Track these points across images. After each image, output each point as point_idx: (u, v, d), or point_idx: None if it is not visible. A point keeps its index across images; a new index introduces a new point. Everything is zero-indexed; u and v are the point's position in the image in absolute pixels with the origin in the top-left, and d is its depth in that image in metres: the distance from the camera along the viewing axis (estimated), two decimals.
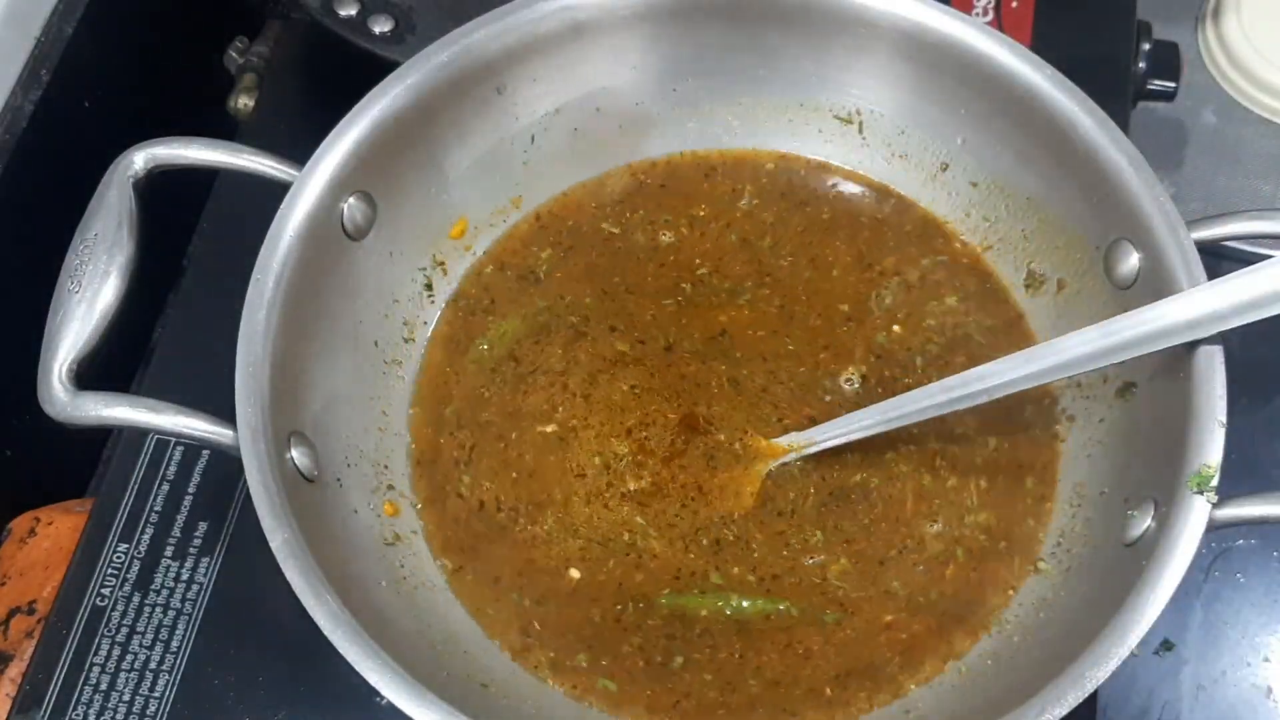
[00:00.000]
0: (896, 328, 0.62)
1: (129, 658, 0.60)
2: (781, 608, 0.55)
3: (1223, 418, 0.50)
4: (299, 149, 0.56)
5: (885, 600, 0.55)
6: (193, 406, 0.51)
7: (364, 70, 0.60)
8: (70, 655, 0.60)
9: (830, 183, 0.66)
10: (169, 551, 0.62)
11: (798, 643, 0.55)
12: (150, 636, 0.60)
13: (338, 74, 0.63)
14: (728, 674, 0.54)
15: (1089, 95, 0.57)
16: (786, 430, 0.59)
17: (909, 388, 0.59)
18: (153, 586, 0.61)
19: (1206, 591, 0.62)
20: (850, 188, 0.65)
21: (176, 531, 0.63)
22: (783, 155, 0.66)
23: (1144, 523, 0.51)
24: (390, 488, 0.58)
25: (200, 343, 0.65)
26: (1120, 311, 0.56)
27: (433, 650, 0.53)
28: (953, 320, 0.62)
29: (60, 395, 0.50)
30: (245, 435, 0.50)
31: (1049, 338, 0.60)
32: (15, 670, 0.60)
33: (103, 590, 0.61)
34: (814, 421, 0.59)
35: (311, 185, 0.55)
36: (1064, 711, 0.45)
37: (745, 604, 0.55)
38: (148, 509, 0.63)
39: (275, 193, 0.55)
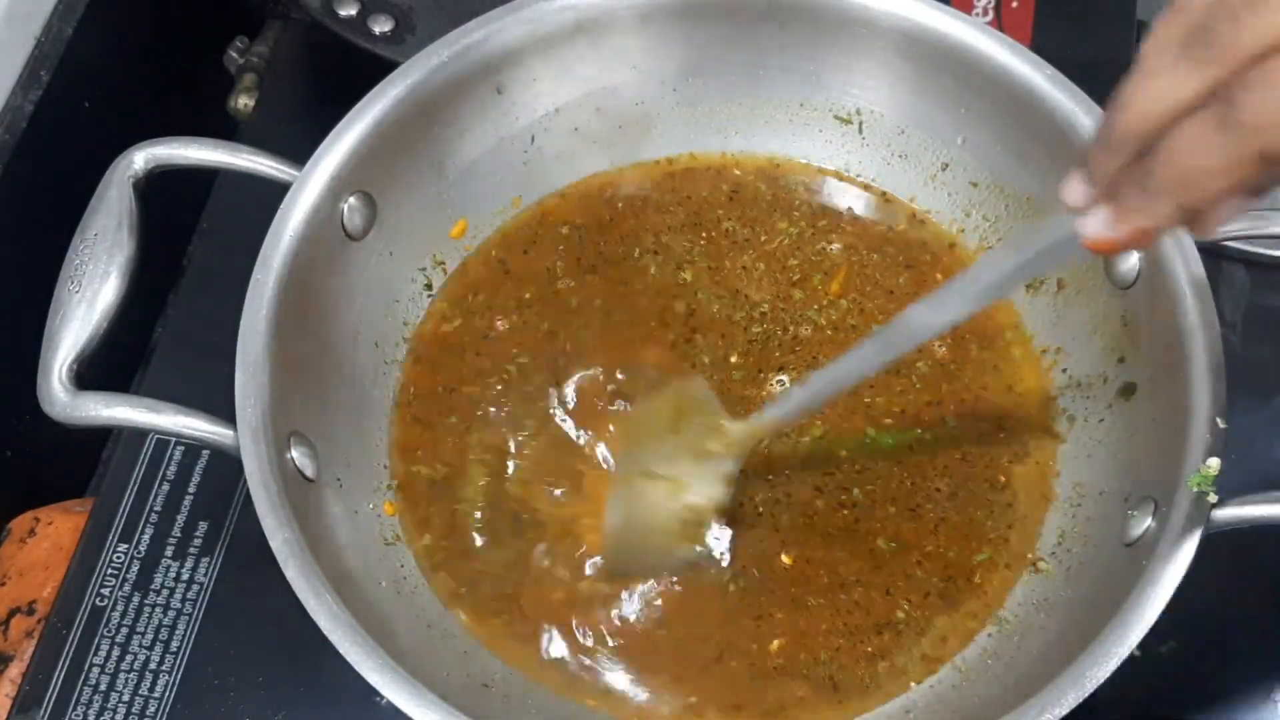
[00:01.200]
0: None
1: (129, 658, 0.60)
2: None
3: (1223, 418, 0.50)
4: (299, 149, 0.56)
5: None
6: (193, 406, 0.51)
7: (364, 70, 0.60)
8: (70, 655, 0.60)
9: (830, 182, 0.66)
10: (169, 551, 0.62)
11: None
12: (150, 636, 0.60)
13: (338, 74, 0.63)
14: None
15: (1089, 95, 0.57)
16: None
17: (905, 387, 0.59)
18: (153, 586, 0.61)
19: (1207, 591, 0.62)
20: (850, 187, 0.65)
21: (176, 531, 0.63)
22: (783, 155, 0.66)
23: (1144, 523, 0.51)
24: (390, 488, 0.58)
25: (200, 343, 0.66)
26: (1120, 311, 0.57)
27: (433, 650, 0.53)
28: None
29: (60, 395, 0.50)
30: (245, 435, 0.50)
31: (1049, 337, 0.60)
32: (15, 670, 0.60)
33: (102, 590, 0.61)
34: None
35: (311, 185, 0.55)
36: (1064, 711, 0.45)
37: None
38: (148, 509, 0.63)
39: (275, 193, 0.55)
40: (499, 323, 0.62)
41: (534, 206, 0.65)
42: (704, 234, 0.64)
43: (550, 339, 0.62)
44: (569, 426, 0.59)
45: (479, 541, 0.57)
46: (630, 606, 0.56)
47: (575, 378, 0.61)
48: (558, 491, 0.58)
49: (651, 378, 0.60)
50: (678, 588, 0.56)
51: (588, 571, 0.56)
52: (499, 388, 0.61)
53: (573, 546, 0.57)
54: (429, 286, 0.63)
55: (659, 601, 0.56)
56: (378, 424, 0.59)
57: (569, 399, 0.60)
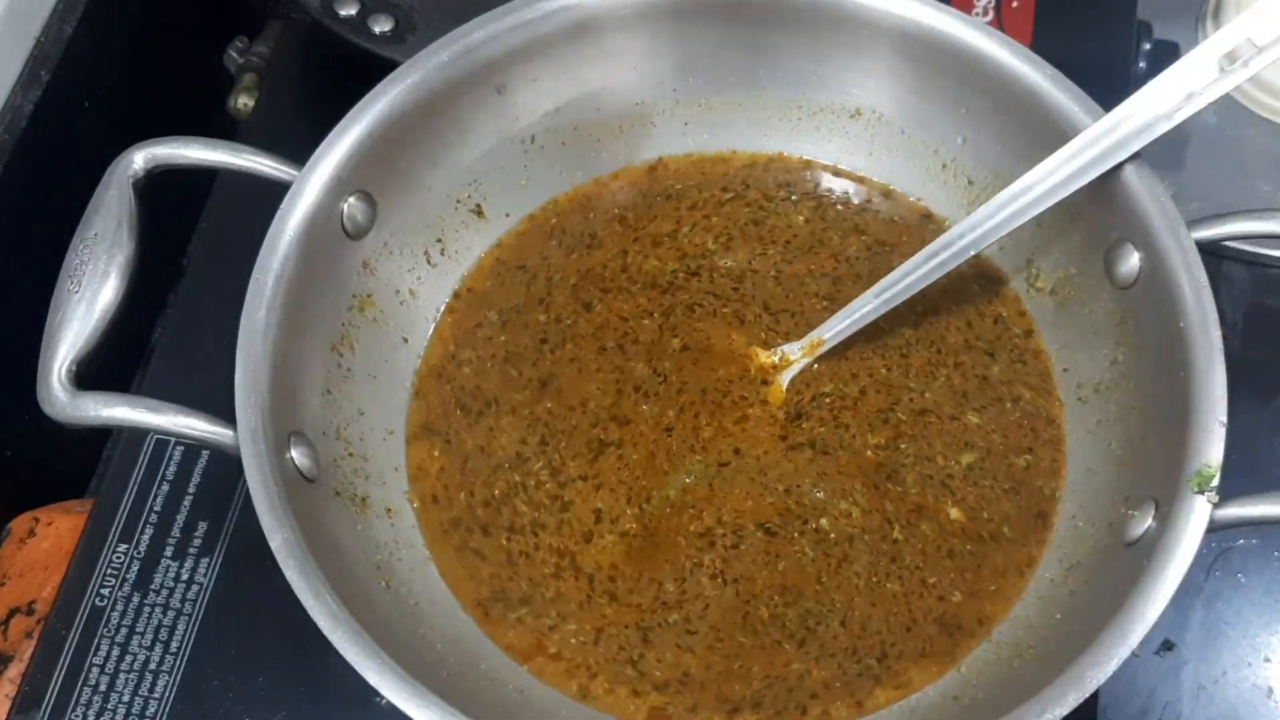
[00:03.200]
0: (905, 331, 0.62)
1: (128, 658, 0.60)
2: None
3: (1223, 418, 0.50)
4: (299, 149, 0.56)
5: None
6: (193, 406, 0.51)
7: (364, 70, 0.60)
8: (70, 656, 0.60)
9: (830, 182, 0.66)
10: (169, 551, 0.62)
11: None
12: (150, 637, 0.60)
13: (338, 74, 0.63)
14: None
15: (1089, 95, 0.57)
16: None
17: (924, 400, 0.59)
18: (152, 587, 0.61)
19: (1206, 591, 0.62)
20: (850, 187, 0.65)
21: (176, 532, 0.63)
22: (782, 155, 0.66)
23: (1144, 523, 0.51)
24: (400, 486, 0.58)
25: (200, 343, 0.66)
26: (1120, 311, 0.57)
27: (433, 650, 0.53)
28: (955, 320, 0.62)
29: (60, 395, 0.50)
30: (245, 435, 0.50)
31: (1050, 336, 0.60)
32: (15, 671, 0.60)
33: (102, 590, 0.61)
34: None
35: (311, 185, 0.55)
36: (1064, 711, 0.45)
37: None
38: (147, 509, 0.63)
39: (275, 193, 0.55)
40: (503, 325, 0.62)
41: (534, 206, 0.65)
42: (705, 233, 0.64)
43: (551, 342, 0.62)
44: (585, 424, 0.59)
45: (490, 541, 0.57)
46: (643, 609, 0.56)
47: (583, 379, 0.61)
48: (575, 491, 0.58)
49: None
50: (699, 601, 0.56)
51: (601, 571, 0.56)
52: (506, 387, 0.61)
53: (586, 546, 0.57)
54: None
55: (674, 609, 0.56)
56: (385, 423, 0.59)
57: (582, 400, 0.60)
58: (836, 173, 0.66)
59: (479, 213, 0.64)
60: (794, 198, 0.65)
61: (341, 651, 0.47)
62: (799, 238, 0.64)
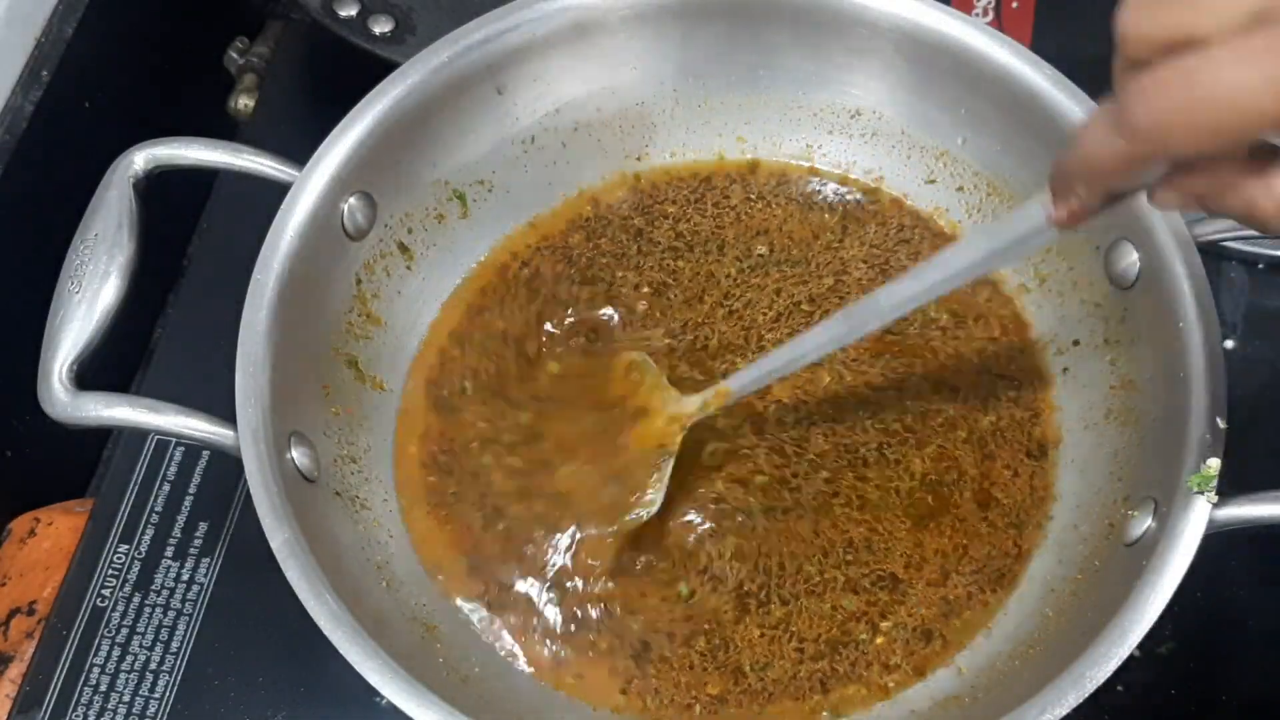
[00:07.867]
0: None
1: (129, 658, 0.60)
2: None
3: (1223, 418, 0.50)
4: (299, 149, 0.56)
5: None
6: (193, 406, 0.51)
7: (364, 70, 0.60)
8: (70, 656, 0.60)
9: (830, 183, 0.66)
10: (169, 552, 0.62)
11: None
12: (150, 637, 0.60)
13: (338, 74, 0.63)
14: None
15: (1089, 95, 0.57)
16: None
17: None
18: (153, 587, 0.61)
19: (1206, 591, 0.62)
20: (850, 188, 0.65)
21: (177, 532, 0.63)
22: (783, 154, 0.66)
23: (1144, 523, 0.51)
24: (398, 486, 0.58)
25: (200, 343, 0.66)
26: (1120, 310, 0.57)
27: (432, 649, 0.53)
28: (955, 320, 0.62)
29: (60, 395, 0.50)
30: (245, 435, 0.50)
31: (1050, 336, 0.60)
32: (15, 671, 0.60)
33: (103, 591, 0.61)
34: None
35: (312, 185, 0.55)
36: (1064, 711, 0.45)
37: None
38: (148, 509, 0.63)
39: (275, 193, 0.55)
40: (503, 323, 0.62)
41: (535, 206, 0.65)
42: (705, 234, 0.64)
43: (550, 344, 0.62)
44: (583, 420, 0.59)
45: (487, 539, 0.57)
46: (635, 607, 0.56)
47: (580, 374, 0.61)
48: (570, 489, 0.58)
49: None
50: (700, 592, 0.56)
51: (598, 572, 0.56)
52: (508, 385, 0.61)
53: (583, 546, 0.57)
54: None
55: (666, 607, 0.56)
56: (385, 422, 0.59)
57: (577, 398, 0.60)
58: (837, 175, 0.66)
59: (480, 213, 0.64)
60: (794, 199, 0.65)
61: (341, 651, 0.47)
62: (799, 241, 0.64)
